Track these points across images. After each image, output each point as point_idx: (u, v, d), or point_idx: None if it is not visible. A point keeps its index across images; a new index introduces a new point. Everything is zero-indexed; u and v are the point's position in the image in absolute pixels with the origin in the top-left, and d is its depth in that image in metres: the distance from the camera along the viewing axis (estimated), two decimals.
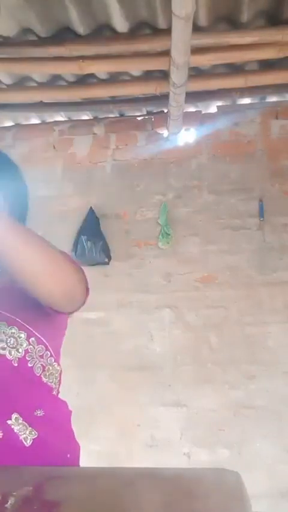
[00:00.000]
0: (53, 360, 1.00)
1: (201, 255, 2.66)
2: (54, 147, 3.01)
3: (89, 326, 2.65)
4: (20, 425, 0.88)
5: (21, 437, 0.87)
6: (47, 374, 0.98)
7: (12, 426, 0.87)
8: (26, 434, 0.88)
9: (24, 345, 0.93)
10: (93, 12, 2.08)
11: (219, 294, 2.59)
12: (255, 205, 2.66)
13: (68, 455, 1.01)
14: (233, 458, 2.39)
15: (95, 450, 2.47)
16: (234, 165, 2.76)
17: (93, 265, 2.69)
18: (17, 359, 0.92)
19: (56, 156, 2.98)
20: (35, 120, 3.06)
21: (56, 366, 1.02)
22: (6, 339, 0.92)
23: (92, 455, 2.48)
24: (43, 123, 3.07)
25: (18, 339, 0.93)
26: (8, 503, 0.59)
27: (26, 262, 0.82)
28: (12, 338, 0.92)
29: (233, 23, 2.16)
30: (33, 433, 0.89)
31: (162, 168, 2.83)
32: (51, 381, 1.00)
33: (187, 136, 2.86)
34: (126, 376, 2.54)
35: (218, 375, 2.50)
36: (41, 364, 0.96)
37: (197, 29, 1.97)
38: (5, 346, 0.91)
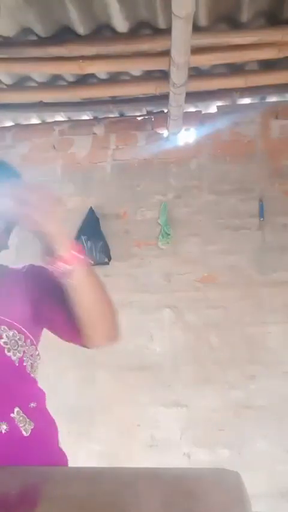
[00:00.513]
0: (39, 357, 1.12)
1: (201, 255, 2.66)
2: (54, 147, 3.01)
3: None
4: (21, 418, 0.96)
5: (21, 429, 0.95)
6: (34, 370, 1.09)
7: (15, 419, 0.95)
8: (26, 426, 0.96)
9: (22, 346, 1.04)
10: (93, 12, 2.08)
11: (219, 294, 2.59)
12: (255, 205, 2.66)
13: (60, 440, 1.11)
14: (233, 458, 2.39)
15: (95, 450, 2.47)
16: (234, 165, 2.76)
17: (93, 265, 2.68)
18: (18, 359, 1.02)
19: (56, 156, 2.98)
20: (35, 120, 3.06)
21: (39, 360, 1.12)
22: (9, 341, 1.01)
23: (92, 455, 2.48)
24: (43, 123, 3.07)
25: (18, 342, 1.03)
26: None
27: (94, 302, 1.04)
28: (13, 340, 1.02)
29: (233, 23, 2.16)
30: (31, 424, 0.98)
31: (162, 168, 2.83)
32: (36, 374, 1.10)
33: (187, 136, 2.85)
34: (126, 376, 2.54)
35: (218, 375, 2.50)
36: (31, 362, 1.07)
37: (197, 29, 1.97)
38: (10, 348, 1.01)
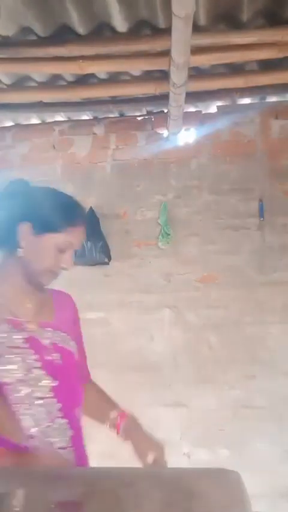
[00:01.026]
0: None
1: (201, 255, 2.66)
2: (54, 147, 3.01)
3: (89, 326, 2.63)
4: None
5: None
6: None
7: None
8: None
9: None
10: (93, 12, 2.07)
11: (219, 294, 2.59)
12: (255, 205, 2.66)
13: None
14: (233, 458, 2.39)
15: (95, 450, 2.46)
16: (234, 165, 2.76)
17: (93, 265, 2.69)
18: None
19: (56, 156, 2.98)
20: (35, 120, 3.06)
21: None
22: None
23: (92, 455, 2.48)
24: (43, 123, 3.07)
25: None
26: None
27: None
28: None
29: (233, 23, 2.15)
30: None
31: (162, 168, 2.83)
32: None
33: (187, 136, 2.85)
34: (126, 376, 2.53)
35: (218, 375, 2.50)
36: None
37: (197, 29, 1.96)
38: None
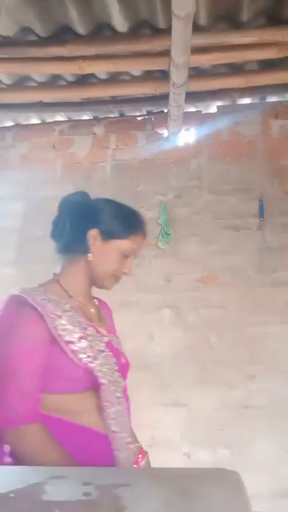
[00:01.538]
0: None
1: (201, 255, 2.66)
2: (54, 147, 3.01)
3: None
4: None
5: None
6: None
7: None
8: None
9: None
10: (93, 12, 2.08)
11: (219, 294, 2.59)
12: (255, 205, 2.66)
13: None
14: (233, 458, 2.39)
15: None
16: (234, 165, 2.76)
17: None
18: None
19: (56, 156, 2.98)
20: (35, 120, 3.06)
21: None
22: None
23: None
24: (43, 123, 3.07)
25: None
26: None
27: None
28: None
29: (233, 23, 2.16)
30: None
31: (162, 168, 2.83)
32: None
33: (187, 136, 2.85)
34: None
35: (218, 375, 2.50)
36: None
37: (197, 29, 1.96)
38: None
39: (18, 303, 1.18)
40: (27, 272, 2.79)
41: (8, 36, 2.18)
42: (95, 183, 2.88)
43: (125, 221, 1.33)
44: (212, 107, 2.88)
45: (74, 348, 1.17)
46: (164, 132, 2.87)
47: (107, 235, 1.30)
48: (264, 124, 2.79)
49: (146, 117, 2.94)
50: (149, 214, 2.77)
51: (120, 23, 2.10)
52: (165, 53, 2.05)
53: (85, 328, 1.23)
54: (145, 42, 2.16)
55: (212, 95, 2.70)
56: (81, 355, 1.17)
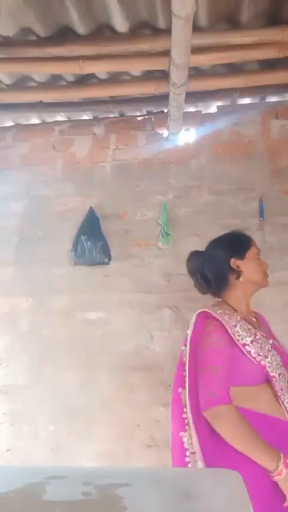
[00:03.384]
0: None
1: None
2: (54, 147, 3.01)
3: (89, 326, 2.65)
4: None
5: None
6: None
7: None
8: None
9: None
10: (93, 12, 2.08)
11: None
12: (255, 205, 2.66)
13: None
14: None
15: (95, 450, 2.47)
16: (234, 165, 2.76)
17: (93, 265, 2.69)
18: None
19: (56, 156, 2.98)
20: (35, 120, 3.06)
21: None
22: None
23: (92, 455, 2.48)
24: (43, 123, 3.07)
25: None
26: None
27: None
28: None
29: (233, 23, 2.16)
30: None
31: (162, 168, 2.83)
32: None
33: (187, 136, 2.85)
34: (126, 376, 2.53)
35: None
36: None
37: (197, 29, 1.97)
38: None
39: (206, 317, 1.60)
40: (27, 272, 2.80)
41: (8, 36, 2.18)
42: (95, 183, 2.88)
43: (243, 237, 1.77)
44: (212, 107, 2.88)
45: (249, 349, 1.50)
46: (164, 132, 2.87)
47: (242, 253, 1.70)
48: (264, 124, 2.79)
49: (146, 117, 2.94)
50: (149, 214, 2.78)
51: (120, 23, 2.10)
52: (165, 53, 2.05)
53: (254, 334, 1.56)
54: (145, 42, 2.16)
55: (212, 95, 2.70)
56: (255, 355, 1.50)
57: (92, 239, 2.67)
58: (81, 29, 2.13)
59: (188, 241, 2.69)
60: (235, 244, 1.75)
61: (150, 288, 2.65)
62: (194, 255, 1.85)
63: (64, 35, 2.17)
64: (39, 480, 0.71)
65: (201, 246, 2.73)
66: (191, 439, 1.48)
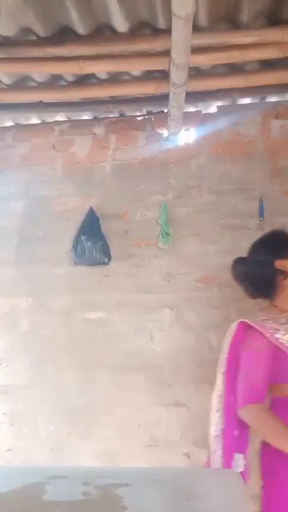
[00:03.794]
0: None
1: (201, 255, 2.66)
2: (54, 147, 3.01)
3: (89, 326, 2.65)
4: None
5: None
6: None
7: None
8: None
9: None
10: (93, 12, 2.08)
11: (219, 294, 2.59)
12: (255, 205, 2.66)
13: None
14: None
15: (95, 450, 2.47)
16: (234, 165, 2.76)
17: (93, 265, 2.69)
18: None
19: (56, 156, 2.98)
20: (35, 120, 3.06)
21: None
22: None
23: (92, 455, 2.48)
24: (43, 123, 3.07)
25: None
26: None
27: None
28: None
29: (233, 23, 2.16)
30: None
31: (162, 168, 2.83)
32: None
33: (187, 136, 2.85)
34: (126, 376, 2.53)
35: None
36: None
37: (197, 29, 1.97)
38: None
39: (245, 326, 1.75)
40: (27, 272, 2.80)
41: (8, 36, 2.18)
42: (95, 183, 2.88)
43: (279, 237, 1.84)
44: (212, 107, 2.87)
45: None
46: (164, 132, 2.87)
47: (283, 254, 1.74)
48: (264, 124, 2.79)
49: (146, 117, 2.94)
50: (149, 214, 2.78)
51: (120, 23, 2.10)
52: (165, 53, 2.05)
53: None
54: (145, 42, 2.16)
55: (212, 95, 2.70)
56: None
57: (92, 239, 2.67)
58: (81, 29, 2.13)
59: (188, 241, 2.69)
60: (277, 244, 1.79)
61: (150, 288, 2.65)
62: (238, 262, 1.92)
63: (64, 35, 2.17)
64: (39, 480, 0.71)
65: (201, 246, 2.74)
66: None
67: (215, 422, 1.76)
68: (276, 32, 2.08)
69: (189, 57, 1.98)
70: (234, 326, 1.79)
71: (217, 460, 1.66)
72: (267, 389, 1.65)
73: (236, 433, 1.68)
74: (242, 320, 1.77)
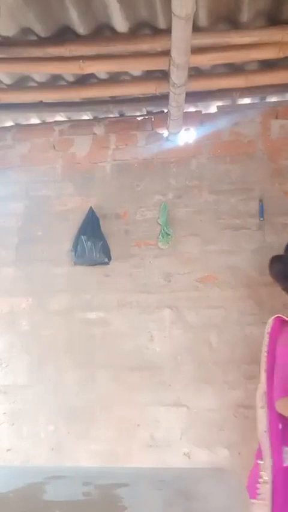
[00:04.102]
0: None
1: (201, 255, 2.66)
2: (54, 147, 3.01)
3: (89, 326, 2.65)
4: None
5: None
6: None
7: None
8: None
9: None
10: (93, 12, 2.08)
11: (219, 294, 2.59)
12: (255, 205, 2.66)
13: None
14: (233, 458, 2.39)
15: (95, 450, 2.47)
16: (234, 165, 2.76)
17: (93, 265, 2.69)
18: None
19: (56, 156, 2.98)
20: (35, 120, 3.06)
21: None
22: None
23: (91, 455, 2.48)
24: (43, 123, 3.07)
25: None
26: None
27: None
28: None
29: (233, 23, 2.16)
30: None
31: (162, 168, 2.83)
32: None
33: (187, 136, 2.85)
34: (126, 376, 2.54)
35: (218, 375, 2.50)
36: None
37: (197, 29, 1.97)
38: None
39: (280, 321, 1.84)
40: (27, 272, 2.80)
41: (8, 36, 2.18)
42: (95, 183, 2.88)
43: None
44: (212, 107, 2.88)
45: None
46: (164, 132, 2.87)
47: None
48: (264, 124, 2.79)
49: (146, 117, 2.94)
50: (149, 214, 2.78)
51: (120, 23, 2.10)
52: (165, 53, 2.05)
53: None
54: (145, 42, 2.15)
55: (212, 95, 2.70)
56: None
57: (92, 239, 2.67)
58: (81, 29, 2.13)
59: (188, 241, 2.69)
60: None
61: (150, 288, 2.66)
62: (274, 260, 2.00)
63: (64, 35, 2.17)
64: (39, 480, 0.71)
65: (201, 246, 2.75)
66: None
67: (261, 419, 1.82)
68: (276, 32, 2.08)
69: (189, 57, 1.98)
70: (270, 322, 1.88)
71: (268, 455, 1.77)
72: None
73: (280, 426, 1.75)
74: (277, 316, 1.86)
